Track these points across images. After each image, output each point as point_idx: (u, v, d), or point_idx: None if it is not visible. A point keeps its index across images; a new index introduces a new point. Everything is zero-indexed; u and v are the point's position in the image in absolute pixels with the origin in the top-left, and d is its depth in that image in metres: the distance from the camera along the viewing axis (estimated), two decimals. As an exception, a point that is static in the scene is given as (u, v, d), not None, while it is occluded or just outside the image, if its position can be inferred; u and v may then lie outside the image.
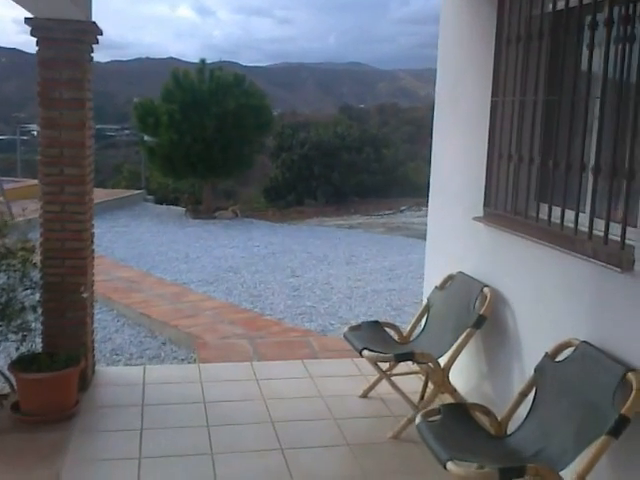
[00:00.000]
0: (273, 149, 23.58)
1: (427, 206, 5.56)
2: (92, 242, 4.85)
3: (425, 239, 5.55)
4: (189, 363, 5.81)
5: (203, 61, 14.62)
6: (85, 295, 4.46)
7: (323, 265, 10.21)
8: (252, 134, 14.62)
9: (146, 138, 14.53)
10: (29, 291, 4.54)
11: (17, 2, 4.04)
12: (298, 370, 5.28)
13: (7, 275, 4.45)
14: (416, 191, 21.85)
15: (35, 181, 14.55)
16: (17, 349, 4.44)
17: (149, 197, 16.78)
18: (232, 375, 5.14)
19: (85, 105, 4.44)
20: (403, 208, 20.13)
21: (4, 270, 4.44)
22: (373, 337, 4.60)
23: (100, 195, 15.51)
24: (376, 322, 4.84)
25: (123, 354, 6.08)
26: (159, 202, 17.22)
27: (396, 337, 4.82)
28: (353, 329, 4.68)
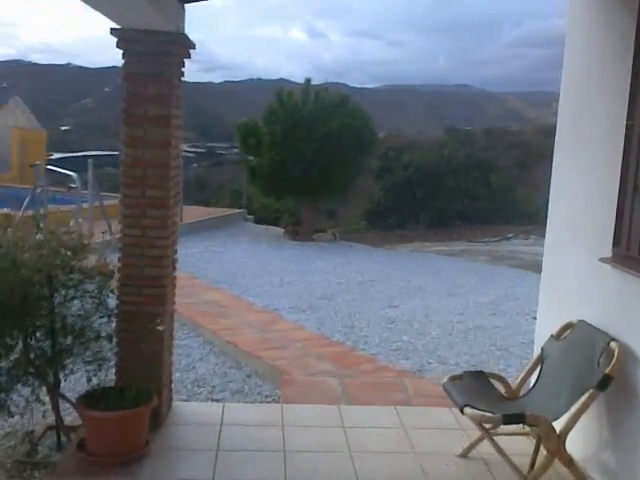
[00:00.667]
0: (376, 171, 23.15)
1: (535, 234, 4.97)
2: (174, 269, 4.54)
3: (533, 271, 4.98)
4: (273, 400, 5.40)
5: (308, 81, 14.42)
6: (161, 328, 4.14)
7: (422, 295, 9.63)
8: (354, 156, 14.26)
9: (251, 157, 14.47)
10: (104, 319, 4.28)
11: (103, 13, 3.81)
12: (389, 418, 4.77)
13: (82, 302, 4.21)
14: (524, 218, 20.87)
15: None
16: (89, 380, 4.18)
17: (249, 217, 16.69)
18: (317, 420, 4.69)
19: (171, 122, 4.15)
20: (509, 236, 19.18)
21: (79, 297, 4.20)
22: (476, 390, 4.05)
23: (200, 213, 15.55)
24: (480, 372, 4.27)
25: (205, 386, 5.75)
26: (259, 222, 17.12)
27: (502, 390, 4.24)
28: (454, 379, 4.15)
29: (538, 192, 20.94)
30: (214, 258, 11.50)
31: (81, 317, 4.17)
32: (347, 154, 14.03)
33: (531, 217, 21.02)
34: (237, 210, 16.72)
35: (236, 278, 9.99)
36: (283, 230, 15.14)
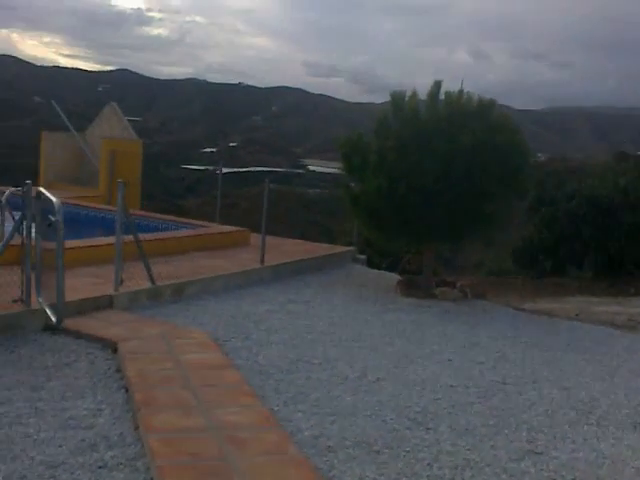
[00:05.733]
0: (531, 201, 18.96)
1: None
2: None
3: None
4: None
5: (438, 84, 10.75)
6: None
7: (588, 426, 5.80)
8: (496, 184, 10.43)
9: (353, 183, 11.08)
10: None
11: None
12: None
13: None
14: None
15: (225, 227, 11.30)
16: None
17: (360, 257, 13.22)
18: None
19: None
20: None
21: None
22: None
23: (300, 251, 12.38)
24: None
25: None
26: (374, 265, 13.62)
27: None
28: None
29: None
30: (285, 324, 8.15)
31: None
32: (486, 182, 10.26)
33: None
34: (345, 248, 13.30)
35: (295, 367, 6.60)
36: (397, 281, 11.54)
